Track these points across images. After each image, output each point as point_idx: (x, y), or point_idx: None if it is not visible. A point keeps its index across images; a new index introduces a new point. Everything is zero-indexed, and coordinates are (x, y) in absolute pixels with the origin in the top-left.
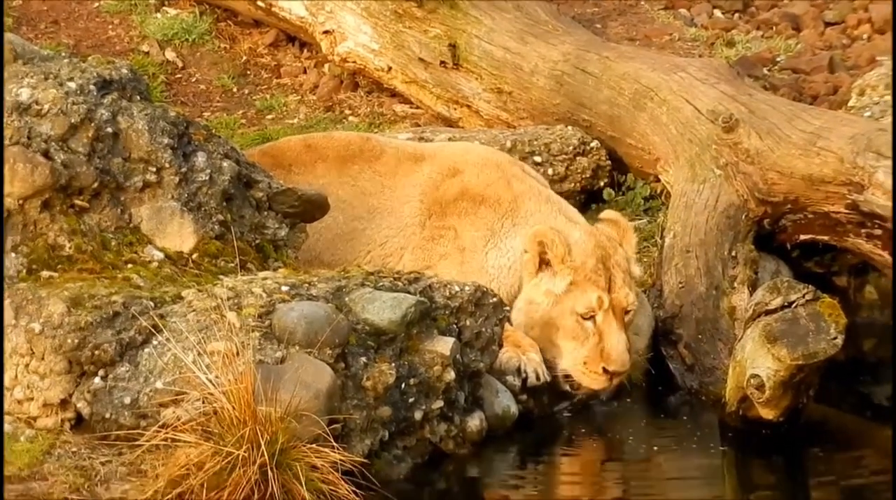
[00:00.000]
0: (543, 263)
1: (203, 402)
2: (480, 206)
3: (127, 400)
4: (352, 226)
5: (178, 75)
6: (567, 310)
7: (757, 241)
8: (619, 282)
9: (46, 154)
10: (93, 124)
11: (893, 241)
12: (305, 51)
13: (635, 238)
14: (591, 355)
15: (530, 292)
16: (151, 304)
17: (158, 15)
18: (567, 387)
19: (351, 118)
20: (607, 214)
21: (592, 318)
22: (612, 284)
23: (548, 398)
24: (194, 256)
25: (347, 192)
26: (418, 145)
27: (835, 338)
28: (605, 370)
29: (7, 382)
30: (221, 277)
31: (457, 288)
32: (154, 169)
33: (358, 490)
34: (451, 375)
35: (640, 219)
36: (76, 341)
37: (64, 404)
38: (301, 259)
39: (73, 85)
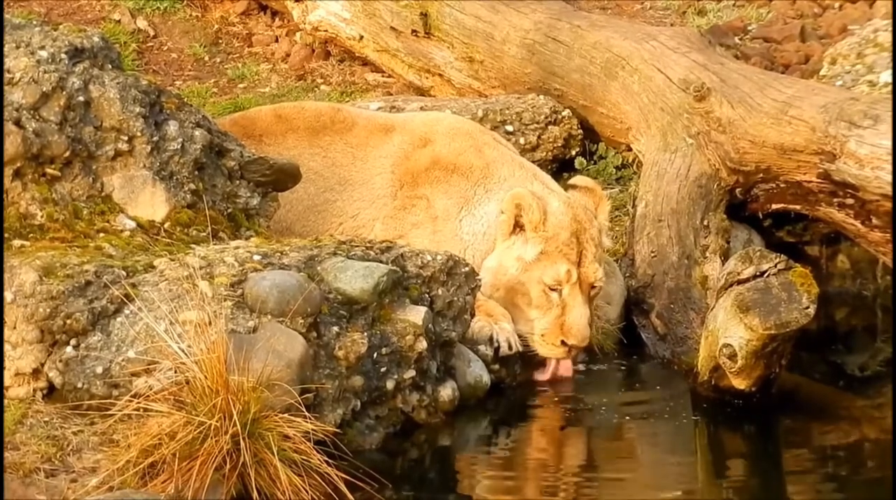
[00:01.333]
0: (518, 226)
1: (175, 371)
2: (452, 174)
3: (99, 370)
4: (323, 197)
5: (150, 44)
6: (535, 278)
7: (729, 210)
8: (590, 257)
9: (18, 123)
10: (64, 93)
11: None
12: (277, 19)
13: (609, 207)
14: (552, 328)
15: (501, 255)
16: (123, 273)
17: None
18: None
19: (323, 87)
20: (581, 180)
21: (559, 290)
22: (582, 258)
23: (519, 368)
24: (166, 225)
25: (318, 163)
26: (389, 116)
27: (807, 307)
28: (563, 343)
29: None
30: (193, 246)
31: (429, 257)
32: (126, 138)
33: (330, 460)
34: (423, 344)
35: (611, 188)
36: (48, 310)
37: (36, 373)
38: (272, 230)
39: (44, 53)
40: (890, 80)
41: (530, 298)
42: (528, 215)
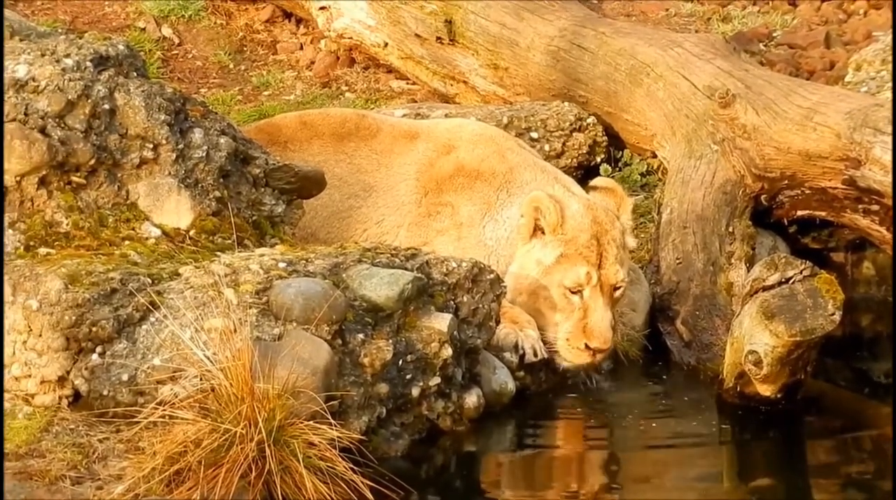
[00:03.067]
0: (538, 229)
1: (200, 379)
2: (476, 180)
3: (124, 377)
4: (348, 204)
5: (175, 52)
6: (555, 282)
7: (754, 217)
8: (611, 259)
9: (43, 131)
10: (89, 101)
11: (894, 221)
12: (302, 27)
13: (631, 206)
14: (575, 331)
15: (521, 258)
16: (149, 281)
17: None
18: (556, 358)
19: (347, 94)
20: (601, 181)
21: (580, 292)
22: (602, 259)
23: (545, 375)
24: (191, 232)
25: (343, 169)
26: (413, 122)
27: (832, 314)
28: (587, 347)
29: (5, 359)
30: (218, 253)
31: (454, 264)
32: (151, 145)
33: (355, 467)
34: (448, 351)
35: (636, 195)
36: (73, 317)
37: (62, 381)
38: (297, 237)
39: (69, 61)
40: None
41: (553, 302)
42: (547, 218)
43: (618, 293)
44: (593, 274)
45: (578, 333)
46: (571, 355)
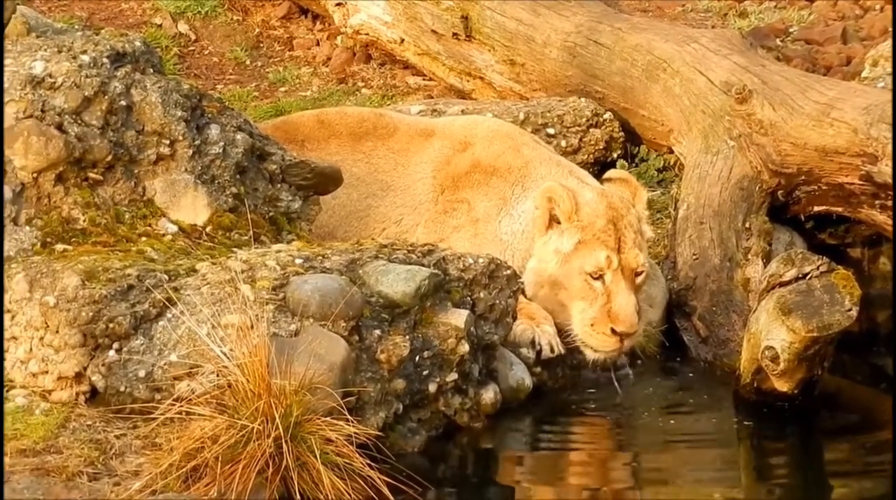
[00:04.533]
0: (553, 220)
1: (217, 375)
2: (492, 176)
3: (141, 373)
4: (366, 203)
5: (191, 48)
6: (575, 269)
7: (771, 212)
8: (630, 243)
9: (60, 127)
10: (106, 97)
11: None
12: (318, 23)
13: (646, 196)
14: (599, 316)
15: (539, 251)
16: (165, 277)
17: None
18: (585, 351)
19: (364, 90)
20: (615, 172)
21: (601, 277)
22: (621, 244)
23: (562, 371)
24: (208, 228)
25: (361, 169)
26: (429, 121)
27: (849, 310)
28: (613, 332)
29: (22, 355)
30: (235, 249)
31: (470, 260)
32: (167, 142)
33: (372, 463)
34: (465, 347)
35: (653, 190)
36: (90, 314)
37: (79, 377)
38: (315, 236)
39: (86, 58)
40: None
41: (574, 291)
42: (561, 206)
43: (639, 279)
44: (613, 258)
45: (603, 317)
46: (597, 342)
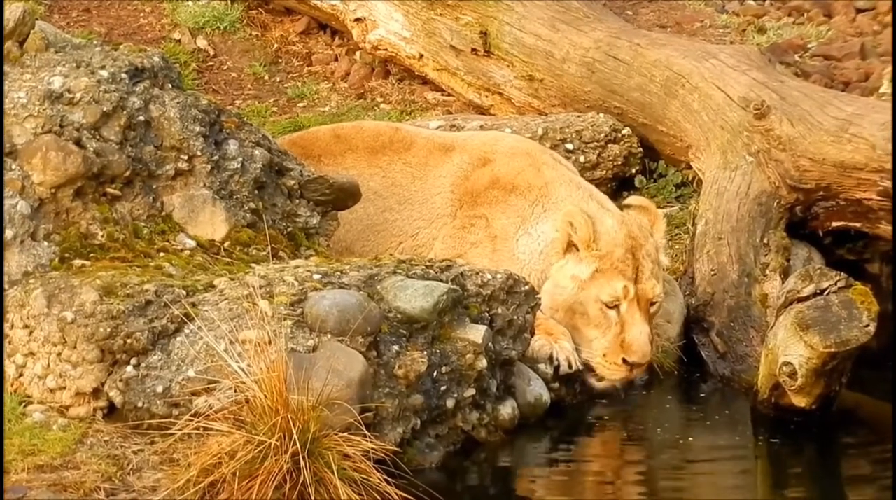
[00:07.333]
0: (571, 245)
1: (235, 391)
2: (511, 194)
3: (159, 389)
4: (383, 217)
5: (210, 63)
6: (591, 297)
7: (789, 228)
8: (647, 273)
9: (79, 142)
10: (125, 112)
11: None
12: (337, 38)
13: (665, 225)
14: (612, 346)
15: (556, 275)
16: (183, 292)
17: (190, 3)
18: (590, 379)
19: (382, 106)
20: (636, 199)
21: (616, 307)
22: (639, 274)
23: (579, 387)
24: (226, 244)
25: (378, 183)
26: (448, 135)
27: (867, 325)
28: (624, 361)
29: (40, 371)
30: (253, 265)
31: (489, 276)
32: (186, 157)
33: (390, 479)
34: (482, 363)
35: (671, 206)
36: (108, 329)
37: (96, 392)
38: (332, 250)
39: (105, 73)
40: None
41: (589, 317)
42: (579, 233)
43: (654, 309)
44: (630, 288)
45: (616, 348)
46: (608, 372)
